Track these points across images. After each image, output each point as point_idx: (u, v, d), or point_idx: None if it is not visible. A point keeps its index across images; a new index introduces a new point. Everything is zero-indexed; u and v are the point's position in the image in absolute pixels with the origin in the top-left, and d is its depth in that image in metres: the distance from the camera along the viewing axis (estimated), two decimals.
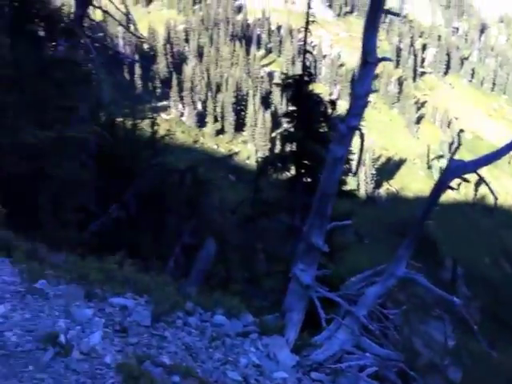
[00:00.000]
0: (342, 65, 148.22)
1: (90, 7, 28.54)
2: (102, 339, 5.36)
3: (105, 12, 29.60)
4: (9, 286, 6.28)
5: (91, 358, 5.06)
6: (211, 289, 10.05)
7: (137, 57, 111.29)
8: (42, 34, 21.75)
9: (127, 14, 32.22)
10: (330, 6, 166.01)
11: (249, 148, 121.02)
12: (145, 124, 25.33)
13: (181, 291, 8.73)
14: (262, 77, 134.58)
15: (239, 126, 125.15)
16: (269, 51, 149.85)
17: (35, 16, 21.00)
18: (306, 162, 19.24)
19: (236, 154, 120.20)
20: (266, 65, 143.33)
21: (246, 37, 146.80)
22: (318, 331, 8.91)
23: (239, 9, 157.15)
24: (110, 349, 5.29)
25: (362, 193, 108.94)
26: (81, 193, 18.63)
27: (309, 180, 19.20)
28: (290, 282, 8.68)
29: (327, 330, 8.79)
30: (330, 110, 19.47)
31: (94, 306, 6.39)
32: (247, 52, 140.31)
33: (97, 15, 31.43)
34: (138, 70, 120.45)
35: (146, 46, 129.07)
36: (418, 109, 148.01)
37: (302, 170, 19.26)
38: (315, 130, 19.40)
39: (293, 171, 19.52)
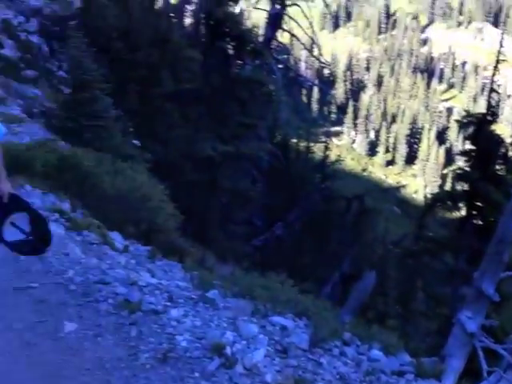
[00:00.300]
0: None
1: (279, 30, 29.56)
2: (264, 357, 5.47)
3: (292, 36, 30.48)
4: (182, 291, 6.59)
5: (253, 374, 5.17)
6: (367, 321, 9.92)
7: (316, 81, 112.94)
8: (231, 52, 22.81)
9: (313, 39, 32.93)
10: None
11: (417, 182, 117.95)
12: (317, 147, 25.70)
13: (338, 319, 8.71)
14: (440, 111, 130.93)
15: (410, 158, 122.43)
16: (450, 86, 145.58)
17: (227, 35, 22.06)
18: (478, 203, 18.43)
19: (404, 186, 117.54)
20: (446, 100, 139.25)
21: (428, 70, 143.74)
22: (476, 382, 8.48)
23: (425, 41, 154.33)
24: (270, 368, 5.38)
25: None
26: (249, 207, 19.29)
27: (480, 223, 18.37)
28: (454, 327, 8.34)
29: (487, 381, 8.34)
30: (511, 153, 18.57)
31: (257, 323, 6.52)
32: (428, 85, 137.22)
33: (284, 38, 32.38)
34: (315, 94, 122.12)
35: (326, 71, 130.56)
36: None
37: (474, 212, 18.46)
38: (492, 171, 18.55)
39: (463, 211, 18.78)
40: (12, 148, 8.72)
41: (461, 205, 18.88)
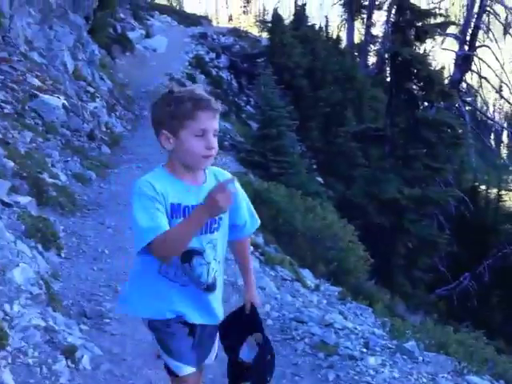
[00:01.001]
0: None
1: (468, 71, 28.68)
2: None
3: (482, 77, 29.43)
4: (378, 338, 6.35)
5: None
6: None
7: (506, 124, 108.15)
8: (417, 92, 22.38)
9: (503, 81, 31.56)
10: None
11: None
12: (508, 196, 24.37)
13: None
14: None
15: None
16: None
17: (413, 75, 21.70)
18: None
19: None
20: None
21: None
22: None
23: None
24: None
25: None
26: (433, 253, 18.61)
27: None
28: None
29: None
30: None
31: (452, 380, 6.12)
32: None
33: (473, 80, 31.33)
34: (505, 138, 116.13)
35: None
36: None
37: None
38: None
39: None
40: None
41: None
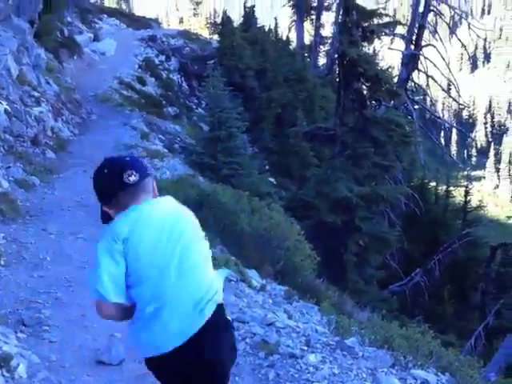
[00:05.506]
0: None
1: (415, 71, 29.02)
2: None
3: (429, 76, 29.84)
4: (319, 336, 6.35)
5: None
6: None
7: (455, 123, 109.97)
8: (366, 92, 22.56)
9: (450, 80, 32.05)
10: None
11: None
12: (457, 192, 24.81)
13: (484, 377, 8.10)
14: None
15: None
16: None
17: (361, 75, 21.86)
18: None
19: None
20: None
21: None
22: None
23: None
24: None
25: None
26: (385, 250, 18.80)
27: None
28: None
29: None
30: None
31: (397, 375, 6.15)
32: None
33: (420, 79, 31.81)
34: (454, 136, 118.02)
35: (465, 113, 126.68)
36: None
37: None
38: None
39: None
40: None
41: None
